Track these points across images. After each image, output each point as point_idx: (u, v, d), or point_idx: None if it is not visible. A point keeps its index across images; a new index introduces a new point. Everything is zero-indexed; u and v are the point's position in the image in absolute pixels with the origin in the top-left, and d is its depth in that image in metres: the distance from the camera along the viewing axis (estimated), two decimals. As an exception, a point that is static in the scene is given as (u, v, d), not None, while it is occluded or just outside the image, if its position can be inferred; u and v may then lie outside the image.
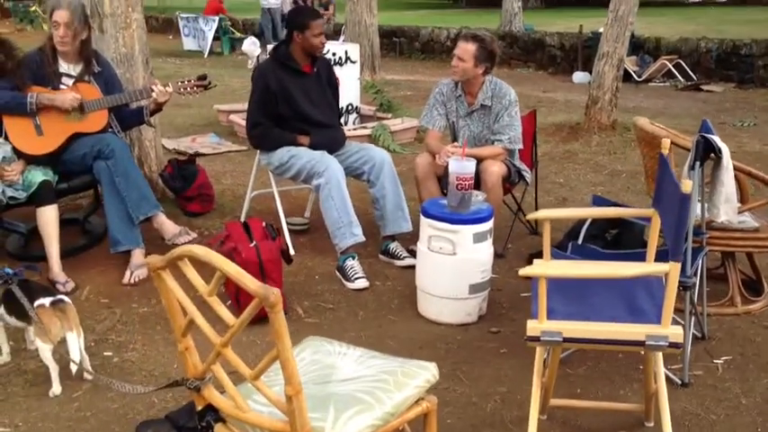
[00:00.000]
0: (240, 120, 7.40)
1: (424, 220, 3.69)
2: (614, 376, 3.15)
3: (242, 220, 4.89)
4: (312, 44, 4.34)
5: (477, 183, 4.34)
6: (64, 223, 4.33)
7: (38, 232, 4.08)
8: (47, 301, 3.07)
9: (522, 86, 10.11)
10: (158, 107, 4.39)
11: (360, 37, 10.25)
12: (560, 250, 4.36)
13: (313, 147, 4.33)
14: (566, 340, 2.31)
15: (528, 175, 4.58)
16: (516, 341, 3.43)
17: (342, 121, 7.32)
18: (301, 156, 4.26)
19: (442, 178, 4.42)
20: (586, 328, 2.31)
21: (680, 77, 11.29)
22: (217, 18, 16.36)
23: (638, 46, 11.97)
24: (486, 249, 3.66)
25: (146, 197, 4.19)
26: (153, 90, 4.29)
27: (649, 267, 2.39)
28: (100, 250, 4.44)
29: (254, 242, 3.64)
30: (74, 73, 4.30)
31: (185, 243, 4.20)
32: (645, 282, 2.64)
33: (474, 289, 3.62)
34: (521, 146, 4.41)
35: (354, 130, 7.26)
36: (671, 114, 8.92)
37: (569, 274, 2.48)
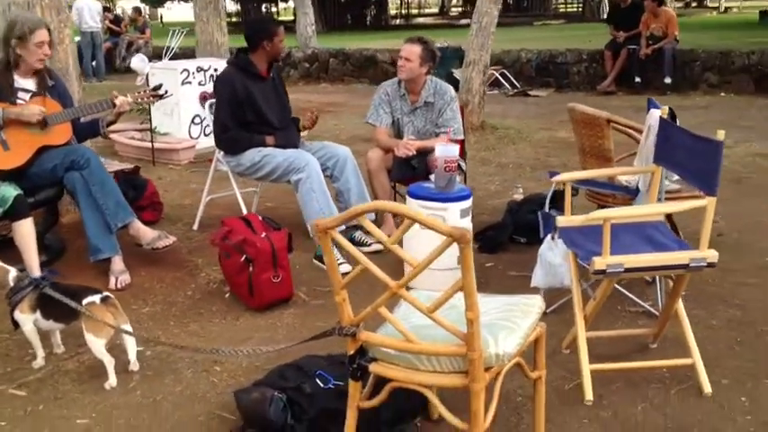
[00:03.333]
0: (123, 138, 7.37)
1: (412, 202, 4.07)
2: (607, 315, 3.68)
3: (196, 224, 5.03)
4: (278, 49, 4.64)
5: (429, 171, 4.80)
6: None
7: None
8: (96, 298, 3.15)
9: (363, 99, 10.68)
10: (116, 118, 4.45)
11: (212, 56, 10.35)
12: (501, 228, 4.92)
13: (277, 147, 4.58)
14: (627, 270, 2.79)
15: (463, 164, 5.08)
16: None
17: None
18: (275, 155, 4.51)
19: (391, 170, 4.85)
20: (642, 259, 2.82)
21: (507, 85, 12.36)
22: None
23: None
24: (468, 223, 4.10)
25: (122, 205, 4.25)
26: (114, 101, 4.36)
27: (689, 204, 2.91)
28: (70, 262, 4.41)
29: (264, 233, 3.86)
30: (30, 87, 4.28)
31: (165, 247, 4.30)
32: (652, 225, 3.20)
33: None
34: (462, 137, 4.91)
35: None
36: (519, 116, 9.84)
37: (631, 214, 2.99)
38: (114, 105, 4.37)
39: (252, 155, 4.57)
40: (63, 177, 4.18)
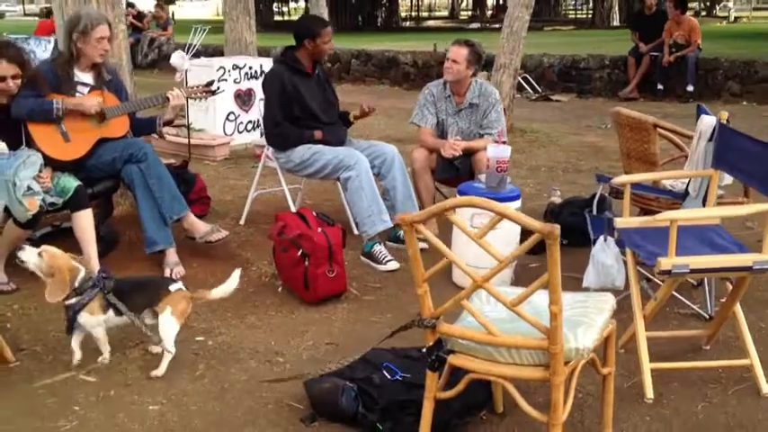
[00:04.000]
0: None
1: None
2: (658, 317, 3.74)
3: (243, 219, 5.11)
4: (322, 50, 4.73)
5: (472, 172, 4.89)
6: (68, 232, 4.36)
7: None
8: (179, 285, 3.32)
9: (385, 101, 10.80)
10: (174, 117, 4.54)
11: (241, 54, 10.45)
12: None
13: (324, 142, 4.68)
14: (692, 271, 2.87)
15: (505, 166, 5.16)
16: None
17: (259, 132, 7.70)
18: (324, 152, 4.60)
19: (434, 170, 4.94)
20: (707, 260, 2.90)
21: (529, 89, 12.43)
22: (52, 39, 15.73)
23: (488, 63, 13.02)
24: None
25: (177, 198, 4.33)
26: (168, 96, 4.45)
27: (757, 207, 2.99)
28: (122, 254, 4.49)
29: (320, 228, 3.94)
30: (88, 81, 4.37)
31: (218, 240, 4.39)
32: (711, 228, 3.28)
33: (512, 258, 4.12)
34: (506, 138, 4.99)
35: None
36: (546, 120, 9.92)
37: (697, 216, 3.07)
38: (168, 100, 4.46)
39: (302, 152, 4.66)
40: (121, 170, 4.27)
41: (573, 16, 37.29)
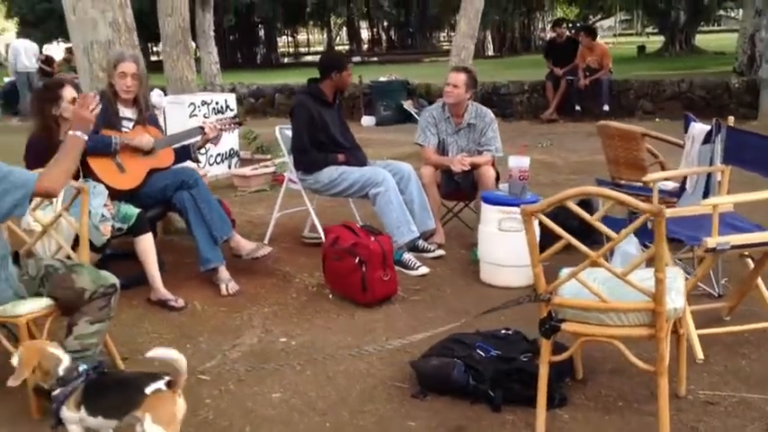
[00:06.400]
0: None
1: (489, 208, 4.66)
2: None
3: (266, 239, 5.45)
4: (346, 82, 5.21)
5: (473, 186, 5.41)
6: (120, 257, 4.65)
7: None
8: (161, 384, 2.67)
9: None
10: (204, 144, 4.88)
11: (184, 92, 10.68)
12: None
13: (347, 163, 5.12)
14: (733, 247, 3.45)
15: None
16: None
17: (227, 164, 8.06)
18: (352, 171, 5.04)
19: (439, 185, 5.43)
20: (745, 237, 3.49)
21: (455, 115, 13.14)
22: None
23: (411, 91, 13.72)
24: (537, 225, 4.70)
25: (225, 220, 4.66)
26: (204, 128, 4.80)
27: None
28: (171, 275, 4.75)
29: (373, 237, 4.36)
30: (130, 116, 4.66)
31: (264, 256, 4.74)
32: (728, 215, 3.90)
33: (534, 257, 4.65)
34: (501, 154, 5.55)
35: (260, 168, 7.94)
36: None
37: (737, 200, 3.66)
38: (203, 131, 4.80)
39: (330, 172, 5.08)
40: (172, 196, 4.56)
41: (448, 47, 38.68)
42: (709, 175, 4.41)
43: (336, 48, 41.34)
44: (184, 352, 3.57)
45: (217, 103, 8.35)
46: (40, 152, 3.96)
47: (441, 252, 5.19)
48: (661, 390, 2.84)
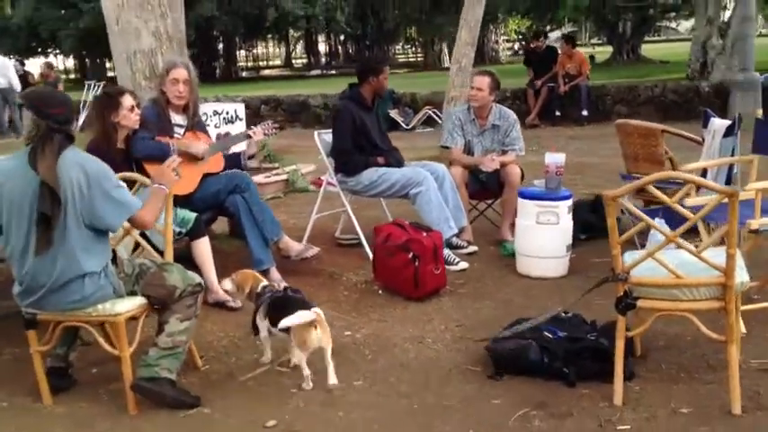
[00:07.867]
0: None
1: (526, 203, 4.92)
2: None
3: (304, 240, 5.63)
4: (383, 85, 5.42)
5: (499, 185, 5.67)
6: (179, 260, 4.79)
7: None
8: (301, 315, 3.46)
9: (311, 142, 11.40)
10: (255, 152, 5.09)
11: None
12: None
13: (387, 165, 5.35)
14: (774, 229, 3.76)
15: (521, 177, 5.99)
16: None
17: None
18: (392, 173, 5.27)
19: (467, 184, 5.68)
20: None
21: (440, 122, 13.43)
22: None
23: (397, 101, 13.99)
24: (570, 219, 4.98)
25: (275, 222, 4.85)
26: (250, 134, 4.99)
27: None
28: (219, 276, 4.90)
29: (425, 233, 4.59)
30: (181, 122, 4.82)
31: (313, 256, 4.93)
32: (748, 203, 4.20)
33: (568, 248, 4.93)
34: (524, 153, 5.83)
35: (273, 176, 8.13)
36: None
37: None
38: (250, 137, 4.99)
39: (370, 174, 5.30)
40: (224, 200, 4.73)
41: (405, 60, 39.30)
42: (730, 167, 4.74)
43: (294, 61, 41.80)
44: (253, 349, 3.83)
45: (227, 113, 8.50)
46: (98, 157, 4.10)
47: (474, 248, 5.44)
48: (732, 357, 3.12)
